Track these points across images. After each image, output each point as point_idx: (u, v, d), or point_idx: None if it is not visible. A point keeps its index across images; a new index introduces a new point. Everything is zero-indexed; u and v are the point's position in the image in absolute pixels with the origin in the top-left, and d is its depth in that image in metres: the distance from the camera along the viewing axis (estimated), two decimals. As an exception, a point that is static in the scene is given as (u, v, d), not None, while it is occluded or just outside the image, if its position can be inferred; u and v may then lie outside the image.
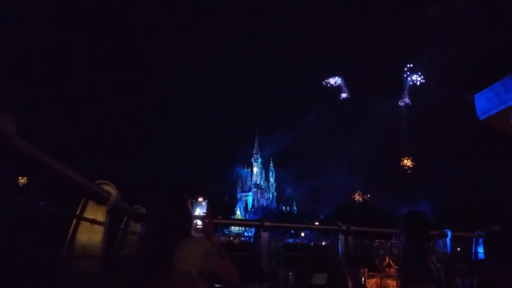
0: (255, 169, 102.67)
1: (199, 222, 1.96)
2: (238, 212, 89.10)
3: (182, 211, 1.84)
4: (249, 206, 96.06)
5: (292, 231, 46.46)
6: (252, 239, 3.94)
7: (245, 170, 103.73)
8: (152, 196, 1.85)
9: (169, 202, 1.83)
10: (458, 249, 6.05)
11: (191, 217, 1.90)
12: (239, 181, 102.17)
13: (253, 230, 3.96)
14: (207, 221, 2.01)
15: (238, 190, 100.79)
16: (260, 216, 12.43)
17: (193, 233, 1.89)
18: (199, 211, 1.98)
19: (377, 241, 1.77)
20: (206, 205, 2.00)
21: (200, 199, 1.99)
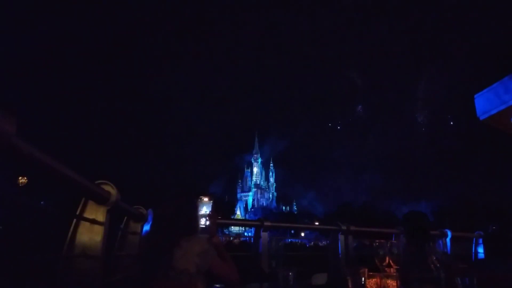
0: (255, 169, 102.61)
1: (202, 221, 1.99)
2: (238, 212, 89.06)
3: (194, 212, 1.88)
4: (249, 206, 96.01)
5: (292, 231, 46.43)
6: (252, 239, 3.94)
7: (245, 170, 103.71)
8: (166, 196, 1.89)
9: (183, 203, 1.87)
10: (458, 249, 6.04)
11: (199, 218, 1.93)
12: (239, 181, 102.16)
13: (253, 230, 3.96)
14: (212, 220, 2.03)
15: (238, 190, 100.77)
16: (260, 216, 12.42)
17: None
18: (204, 210, 2.00)
19: (377, 241, 1.77)
20: (211, 205, 2.02)
21: (206, 199, 2.02)
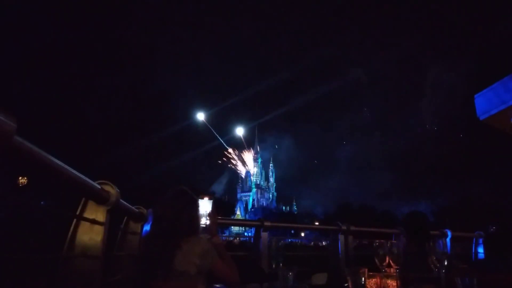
0: (255, 169, 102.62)
1: (203, 221, 1.98)
2: (238, 212, 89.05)
3: (195, 213, 1.86)
4: (249, 206, 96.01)
5: (292, 231, 46.46)
6: (252, 239, 3.94)
7: (245, 170, 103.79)
8: (162, 196, 1.87)
9: (184, 203, 1.84)
10: (458, 249, 6.04)
11: (199, 218, 1.92)
12: (239, 181, 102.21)
13: (253, 230, 3.96)
14: (213, 220, 2.03)
15: (238, 190, 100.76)
16: (260, 216, 12.42)
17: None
18: (205, 210, 2.00)
19: (377, 241, 1.77)
20: (211, 204, 2.02)
21: (206, 198, 2.01)
